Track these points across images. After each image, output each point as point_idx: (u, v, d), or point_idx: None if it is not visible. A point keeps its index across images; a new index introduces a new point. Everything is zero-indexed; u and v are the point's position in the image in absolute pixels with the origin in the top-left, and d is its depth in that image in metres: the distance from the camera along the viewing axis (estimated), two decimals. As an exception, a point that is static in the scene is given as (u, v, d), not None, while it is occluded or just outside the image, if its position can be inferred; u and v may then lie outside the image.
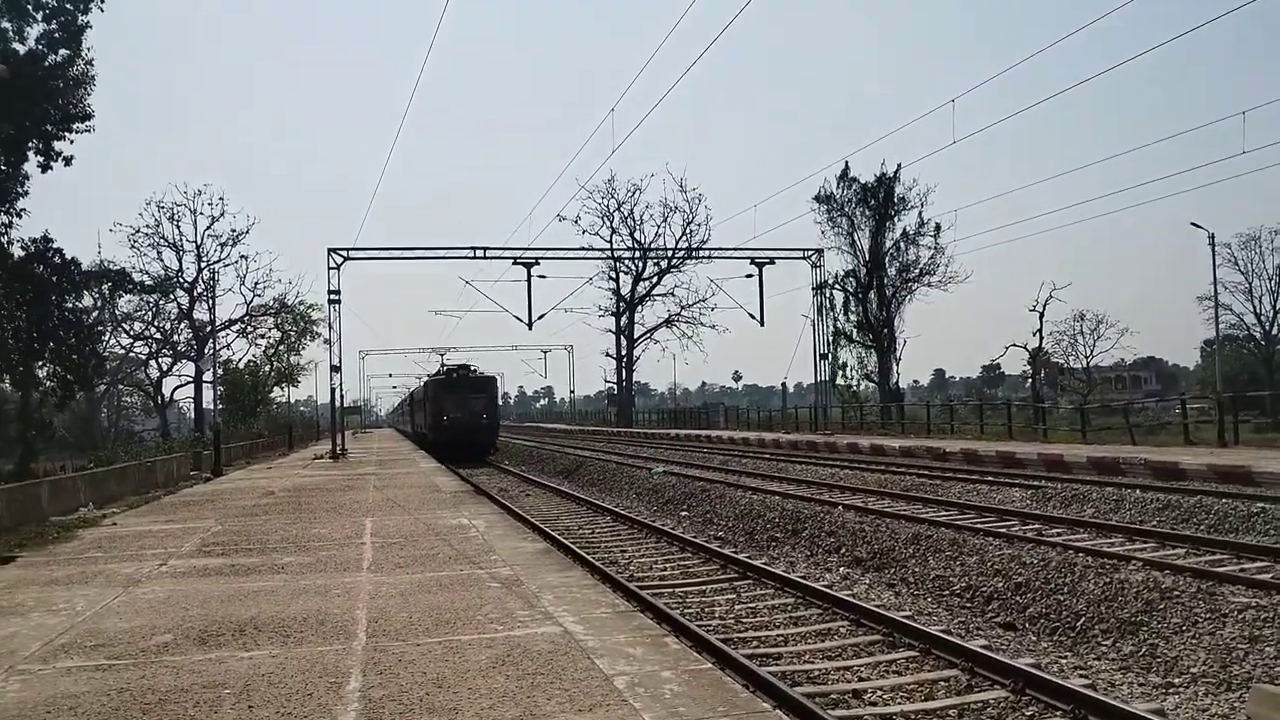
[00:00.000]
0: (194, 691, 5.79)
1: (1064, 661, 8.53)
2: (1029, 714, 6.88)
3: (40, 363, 36.83)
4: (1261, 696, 6.82)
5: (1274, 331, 64.15)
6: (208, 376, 49.00)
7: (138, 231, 53.28)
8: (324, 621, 7.68)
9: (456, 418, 40.72)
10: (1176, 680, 7.80)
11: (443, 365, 51.28)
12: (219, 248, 55.11)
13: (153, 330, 58.19)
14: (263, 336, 60.32)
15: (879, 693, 7.55)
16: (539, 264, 40.56)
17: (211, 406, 48.34)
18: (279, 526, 14.51)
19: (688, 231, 66.86)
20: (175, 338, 58.50)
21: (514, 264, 39.89)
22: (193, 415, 60.16)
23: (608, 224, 68.66)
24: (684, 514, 19.58)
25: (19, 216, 35.66)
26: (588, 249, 54.04)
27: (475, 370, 44.91)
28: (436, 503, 17.86)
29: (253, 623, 7.69)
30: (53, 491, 18.17)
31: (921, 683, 7.69)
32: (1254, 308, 63.35)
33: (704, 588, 11.84)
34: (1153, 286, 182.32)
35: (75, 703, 5.65)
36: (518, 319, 42.48)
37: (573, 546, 14.62)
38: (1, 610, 8.64)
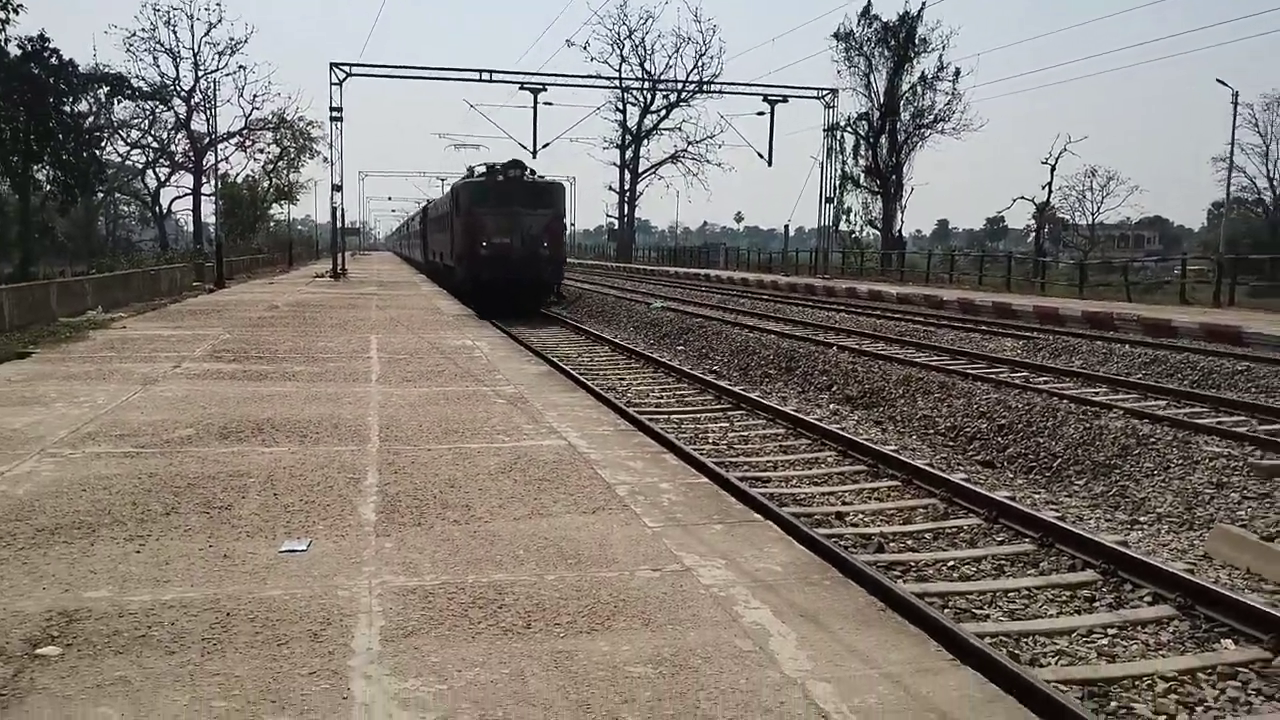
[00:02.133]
0: (220, 479, 6.16)
1: (1037, 497, 8.97)
2: (999, 540, 7.34)
3: (39, 166, 36.47)
4: (1222, 534, 7.28)
5: (1284, 197, 63.62)
6: (207, 189, 48.64)
7: (133, 35, 51.67)
8: (338, 425, 8.04)
9: (501, 245, 26.20)
10: (1142, 518, 8.25)
11: (470, 170, 30.32)
12: (216, 56, 53.65)
13: (149, 139, 57.28)
14: (261, 151, 59.46)
15: (861, 516, 8.00)
16: (546, 90, 39.25)
17: (213, 219, 48.26)
18: (287, 338, 14.83)
19: (699, 64, 64.98)
20: (173, 148, 57.64)
21: (520, 89, 38.68)
22: (190, 228, 60.02)
23: (617, 52, 66.67)
24: (680, 348, 19.96)
25: (16, 13, 34.54)
26: (596, 77, 52.37)
27: (532, 173, 27.97)
28: (439, 324, 18.17)
29: (270, 423, 8.04)
30: (61, 293, 18.43)
31: (901, 509, 8.14)
32: (1268, 171, 62.74)
33: (699, 416, 12.27)
34: (1168, 146, 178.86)
35: (108, 483, 6.01)
36: (522, 146, 41.45)
37: (573, 372, 15.00)
38: (25, 400, 9.00)
